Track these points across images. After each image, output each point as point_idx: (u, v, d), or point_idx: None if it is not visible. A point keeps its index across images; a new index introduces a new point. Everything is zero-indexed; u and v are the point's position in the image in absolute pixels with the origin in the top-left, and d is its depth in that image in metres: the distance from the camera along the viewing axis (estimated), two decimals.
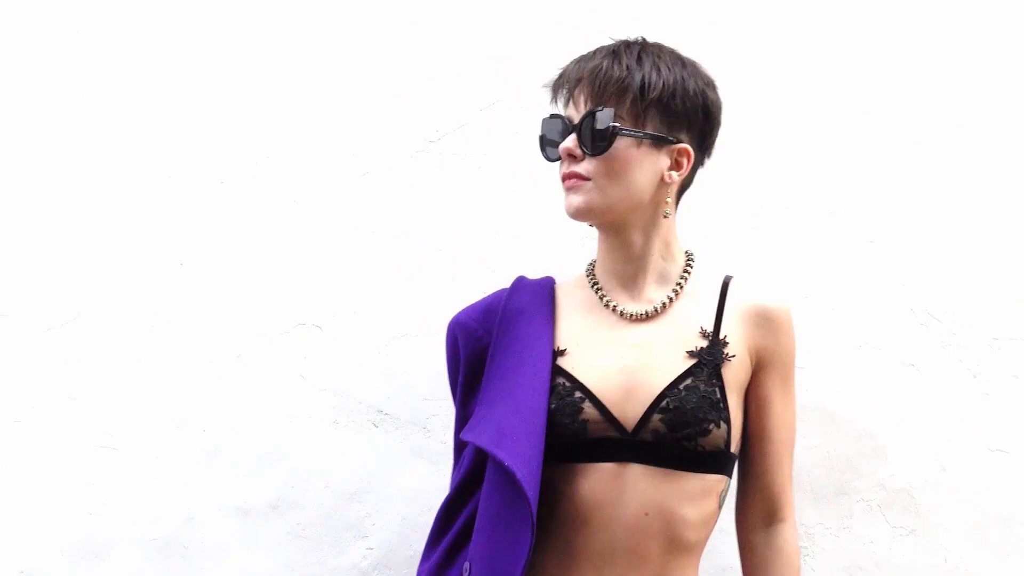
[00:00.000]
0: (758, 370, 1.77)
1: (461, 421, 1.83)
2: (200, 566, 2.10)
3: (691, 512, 1.69)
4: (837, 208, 2.17)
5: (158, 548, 2.10)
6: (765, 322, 1.77)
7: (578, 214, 1.73)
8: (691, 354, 1.72)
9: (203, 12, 2.20)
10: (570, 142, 1.71)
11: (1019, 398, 2.12)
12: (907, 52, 2.19)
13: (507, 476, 1.64)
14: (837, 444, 2.11)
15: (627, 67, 1.71)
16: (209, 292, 2.15)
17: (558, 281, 1.87)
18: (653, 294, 1.78)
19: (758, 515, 1.82)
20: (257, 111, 2.18)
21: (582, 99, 1.73)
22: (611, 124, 1.70)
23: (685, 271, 1.80)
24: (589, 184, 1.71)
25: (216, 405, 2.13)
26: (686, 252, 1.82)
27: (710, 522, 1.74)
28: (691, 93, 1.74)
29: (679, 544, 1.70)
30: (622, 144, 1.70)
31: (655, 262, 1.78)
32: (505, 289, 1.86)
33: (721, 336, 1.74)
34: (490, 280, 2.09)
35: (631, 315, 1.76)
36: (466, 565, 1.72)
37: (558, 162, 1.75)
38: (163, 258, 2.16)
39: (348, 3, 2.20)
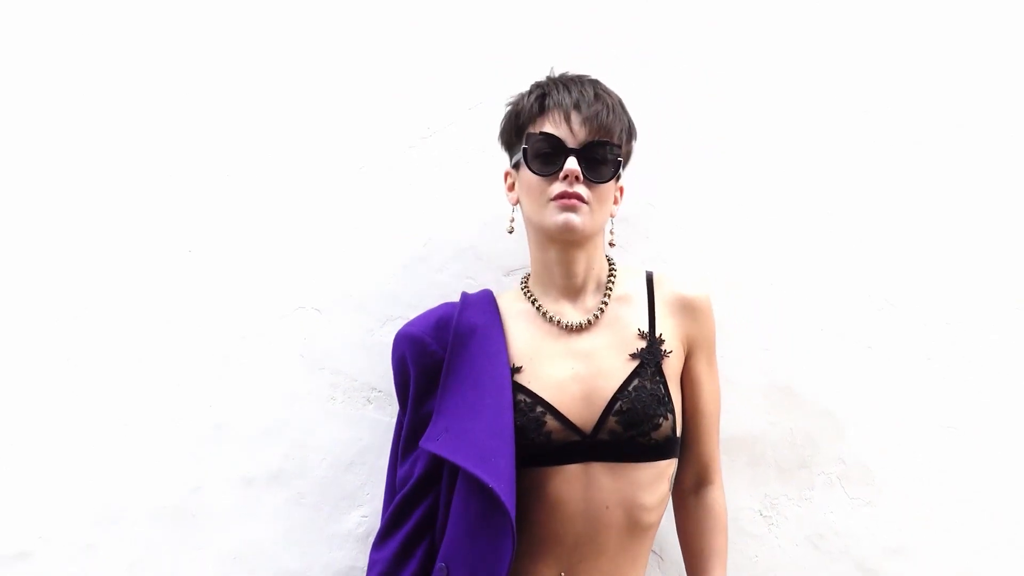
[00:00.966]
0: (688, 356, 1.87)
1: (414, 424, 1.88)
2: (206, 532, 2.13)
3: (648, 498, 1.79)
4: (800, 201, 2.20)
5: (167, 515, 2.13)
6: (690, 311, 1.87)
7: (574, 233, 1.79)
8: (633, 356, 1.81)
9: (208, 16, 2.21)
10: (573, 164, 1.77)
11: (969, 379, 2.17)
12: (870, 47, 2.22)
13: (483, 489, 1.71)
14: (799, 421, 2.16)
15: (617, 109, 1.82)
16: (215, 277, 2.18)
17: (496, 293, 1.93)
18: (591, 302, 1.86)
19: (691, 480, 1.93)
20: (262, 110, 2.21)
21: (583, 129, 1.78)
22: (619, 159, 1.80)
23: (611, 275, 1.88)
24: (587, 208, 1.78)
25: (222, 382, 2.16)
26: (606, 256, 1.91)
27: (663, 503, 1.84)
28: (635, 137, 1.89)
29: (637, 528, 1.79)
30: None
31: (593, 274, 1.87)
32: (453, 303, 1.91)
33: (657, 334, 1.83)
34: (476, 268, 2.14)
35: (574, 326, 1.85)
36: (441, 565, 1.78)
37: (544, 177, 1.80)
38: (173, 246, 2.18)
39: (347, 6, 2.22)
